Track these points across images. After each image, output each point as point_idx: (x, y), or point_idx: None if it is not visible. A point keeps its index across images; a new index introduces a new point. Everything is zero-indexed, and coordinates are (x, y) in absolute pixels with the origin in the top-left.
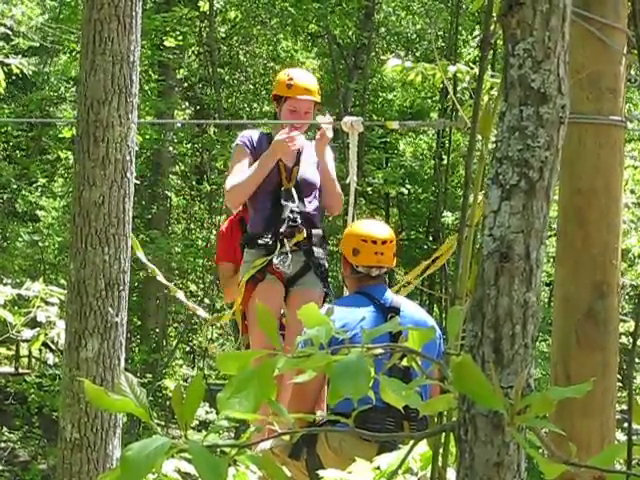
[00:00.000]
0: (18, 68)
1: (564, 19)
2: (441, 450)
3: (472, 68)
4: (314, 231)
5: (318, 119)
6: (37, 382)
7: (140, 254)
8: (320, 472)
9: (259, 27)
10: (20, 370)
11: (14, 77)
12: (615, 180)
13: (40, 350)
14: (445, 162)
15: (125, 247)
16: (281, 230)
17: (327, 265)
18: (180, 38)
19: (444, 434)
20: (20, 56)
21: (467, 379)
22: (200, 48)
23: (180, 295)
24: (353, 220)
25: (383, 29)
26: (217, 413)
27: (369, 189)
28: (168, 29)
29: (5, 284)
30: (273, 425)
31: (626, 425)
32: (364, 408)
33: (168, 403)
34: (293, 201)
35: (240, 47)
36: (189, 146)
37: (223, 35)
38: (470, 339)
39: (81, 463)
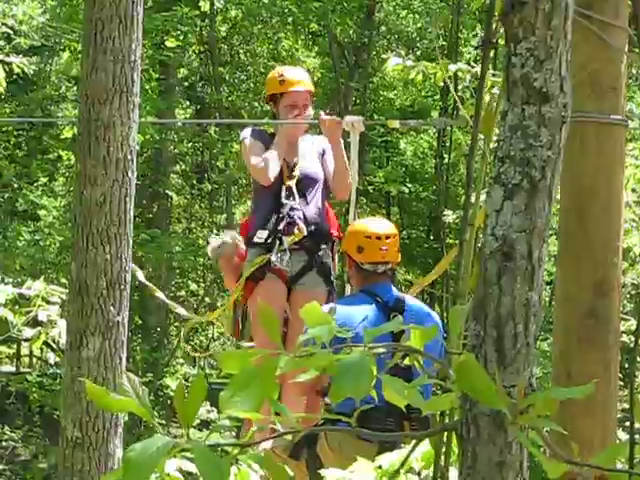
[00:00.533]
0: (19, 67)
1: (566, 18)
2: (443, 449)
3: (473, 67)
4: (316, 227)
5: (320, 114)
6: (38, 381)
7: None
8: (322, 471)
9: (260, 26)
10: (21, 369)
11: (15, 76)
12: (616, 179)
13: (41, 349)
14: (446, 161)
15: (126, 246)
16: (279, 228)
17: (332, 263)
18: (181, 37)
19: (446, 433)
20: (21, 55)
21: (469, 378)
22: (201, 47)
23: (160, 295)
24: (354, 219)
25: (384, 28)
26: (218, 412)
27: (370, 188)
28: (169, 28)
29: (6, 283)
30: (275, 425)
31: (628, 424)
32: (365, 408)
33: (169, 402)
34: (294, 199)
35: (241, 46)
36: (190, 145)
37: (224, 34)
38: (472, 338)
39: (82, 462)
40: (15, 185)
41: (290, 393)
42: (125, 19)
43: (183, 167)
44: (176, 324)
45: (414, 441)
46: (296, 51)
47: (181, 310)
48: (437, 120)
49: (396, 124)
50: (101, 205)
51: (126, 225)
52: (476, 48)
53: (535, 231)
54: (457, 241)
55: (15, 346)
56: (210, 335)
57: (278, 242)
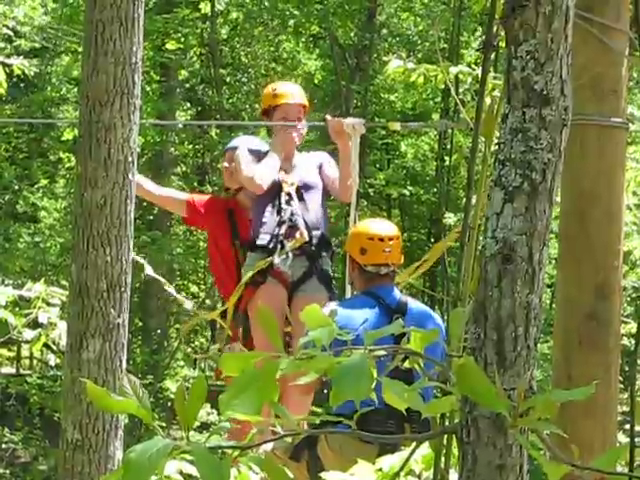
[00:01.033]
0: (20, 69)
1: (567, 21)
2: (443, 452)
3: (474, 70)
4: (316, 234)
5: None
6: (38, 383)
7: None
8: (323, 474)
9: (261, 28)
10: (21, 371)
11: (16, 78)
12: (617, 182)
13: (41, 351)
14: (447, 163)
15: (127, 248)
16: (281, 232)
17: (331, 269)
18: (182, 39)
19: (446, 436)
20: (22, 57)
21: (469, 381)
22: (202, 49)
23: (170, 289)
24: (355, 221)
25: (385, 30)
26: (218, 414)
27: (371, 190)
28: (170, 30)
29: (6, 285)
30: (275, 427)
31: (628, 426)
32: (365, 410)
33: (169, 404)
34: (294, 204)
35: (242, 48)
36: (191, 147)
37: (225, 36)
38: (472, 341)
39: (82, 464)
40: (16, 187)
41: (293, 394)
42: (126, 21)
43: (184, 169)
44: (176, 326)
45: (414, 443)
46: (297, 53)
47: (189, 304)
48: (438, 123)
49: (397, 127)
50: (102, 207)
51: (127, 227)
52: (477, 50)
53: (535, 234)
54: (458, 243)
55: (15, 348)
56: (210, 336)
57: (280, 246)
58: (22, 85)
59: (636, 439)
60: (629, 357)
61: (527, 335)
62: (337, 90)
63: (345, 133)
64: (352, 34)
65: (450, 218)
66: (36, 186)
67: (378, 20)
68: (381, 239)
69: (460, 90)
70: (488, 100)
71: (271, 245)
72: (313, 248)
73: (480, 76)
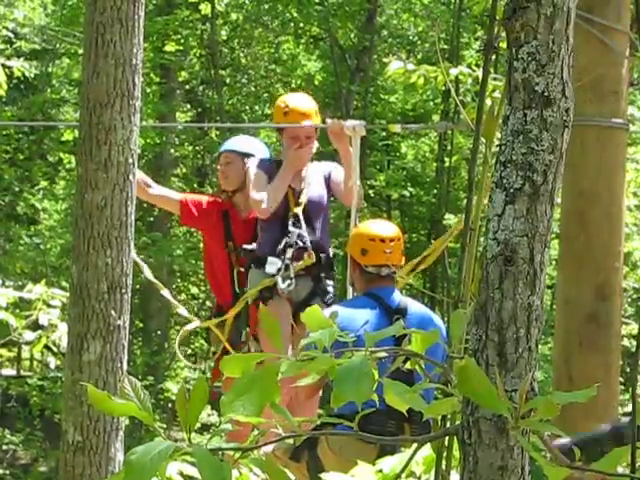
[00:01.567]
0: (20, 71)
1: (568, 22)
2: (444, 453)
3: (474, 71)
4: (323, 256)
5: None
6: (39, 385)
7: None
8: (323, 475)
9: (261, 30)
10: (22, 373)
11: (16, 80)
12: (617, 183)
13: (42, 353)
14: (447, 164)
15: (127, 250)
16: (288, 255)
17: (334, 292)
18: (182, 41)
19: (447, 437)
20: (22, 59)
21: (471, 382)
22: (202, 51)
23: (165, 293)
24: (356, 223)
25: (385, 32)
26: (219, 416)
27: (371, 192)
28: (170, 32)
29: (7, 287)
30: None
31: None
32: (367, 411)
33: (170, 405)
34: (300, 227)
35: (242, 49)
36: (191, 148)
37: (225, 38)
38: (474, 342)
39: (83, 466)
40: (16, 188)
41: (299, 397)
42: (126, 23)
43: (184, 170)
44: (177, 327)
45: (415, 445)
46: (297, 55)
47: (183, 311)
48: (438, 124)
49: (397, 129)
50: (102, 209)
51: (127, 229)
52: (478, 51)
53: (537, 235)
54: (458, 245)
55: (16, 350)
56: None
57: (284, 268)
58: (22, 87)
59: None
60: (629, 358)
61: (528, 337)
62: (337, 91)
63: (345, 137)
64: (352, 35)
65: (450, 219)
66: (36, 188)
67: (378, 21)
68: (382, 240)
69: (460, 91)
70: (488, 101)
71: (278, 266)
72: (318, 269)
73: (481, 77)
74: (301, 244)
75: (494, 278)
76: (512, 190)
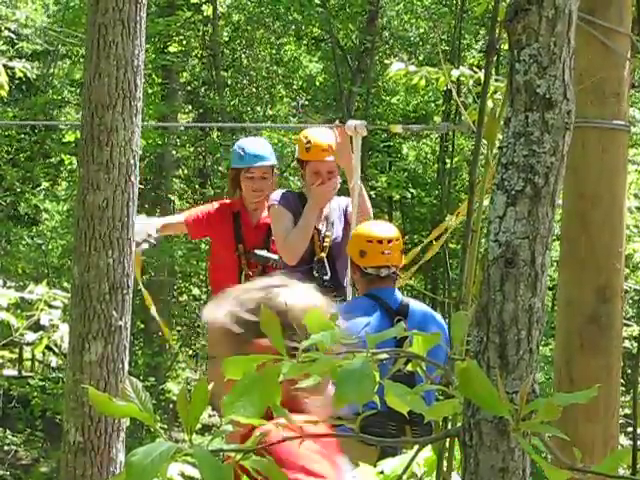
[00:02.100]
0: (22, 72)
1: (570, 24)
2: (446, 455)
3: (476, 72)
4: (339, 292)
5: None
6: (40, 385)
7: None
8: None
9: (262, 31)
10: (23, 373)
11: (18, 81)
12: (619, 184)
13: (43, 353)
14: (448, 166)
15: (129, 251)
16: None
17: None
18: (183, 42)
19: (449, 439)
20: (24, 60)
21: (472, 384)
22: (203, 52)
23: (152, 310)
24: (357, 224)
25: (386, 33)
26: (220, 416)
27: (372, 193)
28: (171, 33)
29: (8, 287)
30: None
31: (629, 429)
32: (368, 413)
33: (171, 406)
34: (326, 273)
35: (243, 51)
36: (192, 149)
37: (226, 39)
38: (475, 344)
39: (85, 467)
40: (18, 189)
41: None
42: (128, 24)
43: (185, 171)
44: (178, 329)
45: (417, 447)
46: (299, 56)
47: (166, 333)
48: (440, 125)
49: (399, 129)
50: (104, 210)
51: (129, 230)
52: (479, 52)
53: (538, 237)
54: (459, 246)
55: (17, 350)
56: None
57: None
58: (24, 87)
59: (639, 442)
60: (631, 360)
61: (530, 338)
62: (338, 93)
63: (348, 155)
64: (353, 37)
65: (451, 221)
66: (38, 188)
67: (379, 22)
68: (380, 241)
69: (461, 92)
70: (490, 103)
71: None
72: None
73: (482, 79)
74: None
75: (495, 280)
76: (513, 192)
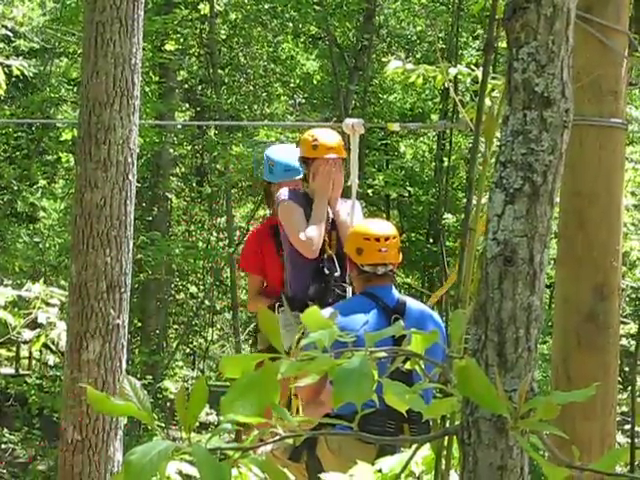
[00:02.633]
0: (19, 69)
1: (568, 23)
2: (444, 453)
3: (473, 70)
4: (349, 290)
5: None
6: (37, 383)
7: None
8: (322, 475)
9: (259, 29)
10: (20, 371)
11: (15, 78)
12: (616, 182)
13: (40, 351)
14: (446, 164)
15: (126, 249)
16: (329, 300)
17: None
18: (181, 40)
19: (447, 437)
20: (21, 57)
21: (471, 383)
22: (200, 50)
23: None
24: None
25: (384, 31)
26: (217, 415)
27: (370, 191)
28: (169, 31)
29: (5, 285)
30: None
31: (627, 427)
32: (366, 412)
33: (168, 404)
34: (336, 270)
35: (240, 49)
36: (189, 148)
37: (223, 37)
38: (474, 343)
39: (82, 465)
40: (15, 187)
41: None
42: (126, 22)
43: (182, 170)
44: (175, 327)
45: (415, 445)
46: (296, 54)
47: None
48: (437, 123)
49: (396, 127)
50: (101, 208)
51: (126, 228)
52: (477, 51)
53: (536, 236)
54: (457, 244)
55: (14, 348)
56: (210, 338)
57: None
58: (21, 85)
59: (636, 440)
60: (628, 358)
61: (528, 337)
62: (336, 91)
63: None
64: (351, 35)
65: (449, 219)
66: (35, 186)
67: (377, 20)
68: (377, 239)
69: (459, 91)
70: (487, 101)
71: None
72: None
73: (480, 77)
74: (340, 292)
75: (494, 278)
76: (512, 190)
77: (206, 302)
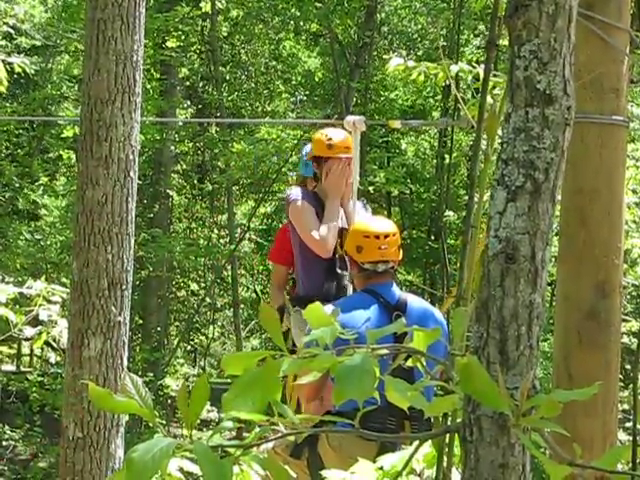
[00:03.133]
0: (20, 67)
1: (570, 20)
2: (446, 451)
3: (474, 67)
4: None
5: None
6: (39, 381)
7: None
8: (323, 472)
9: (261, 26)
10: (22, 368)
11: (16, 76)
12: (617, 180)
13: (42, 349)
14: (447, 161)
15: (128, 246)
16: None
17: None
18: (182, 37)
19: (449, 435)
20: (22, 55)
21: (473, 380)
22: (202, 47)
23: None
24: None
25: (385, 28)
26: (219, 412)
27: (371, 188)
28: (170, 28)
29: (7, 282)
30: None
31: (628, 424)
32: (368, 409)
33: (169, 401)
34: (347, 269)
35: (242, 46)
36: (191, 145)
37: (225, 34)
38: (475, 340)
39: (84, 462)
40: (16, 184)
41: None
42: (127, 19)
43: (184, 167)
44: (176, 324)
45: (416, 442)
46: (297, 51)
47: None
48: (439, 120)
49: (397, 124)
50: (103, 205)
51: (128, 225)
52: (478, 48)
53: (538, 233)
54: (458, 242)
55: (16, 346)
56: (210, 335)
57: None
58: (23, 83)
59: (638, 437)
60: (629, 355)
61: (530, 334)
62: (337, 88)
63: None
64: (352, 32)
65: (450, 216)
66: (36, 184)
67: (378, 18)
68: (377, 236)
69: (460, 88)
70: (489, 99)
71: None
72: None
73: (482, 75)
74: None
75: (495, 276)
76: (514, 188)
77: (207, 299)
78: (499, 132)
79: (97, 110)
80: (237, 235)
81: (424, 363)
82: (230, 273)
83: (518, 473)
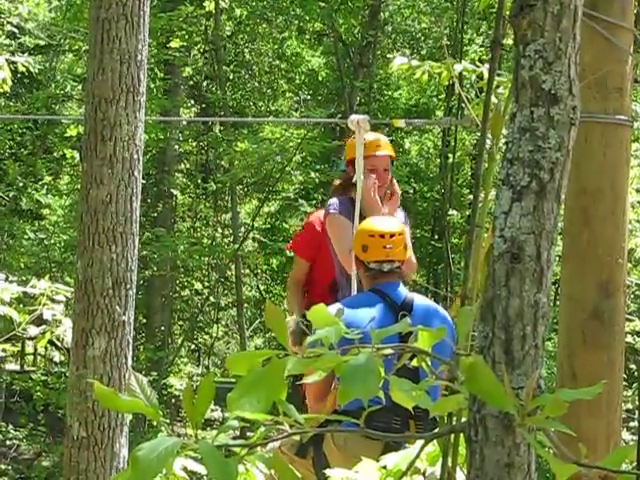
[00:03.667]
0: (24, 66)
1: (575, 20)
2: (451, 451)
3: (478, 67)
4: None
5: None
6: (42, 380)
7: None
8: (327, 471)
9: (264, 25)
10: (26, 367)
11: (20, 75)
12: (621, 179)
13: (46, 348)
14: (451, 160)
15: (132, 245)
16: None
17: None
18: (186, 37)
19: (454, 434)
20: (26, 54)
21: (478, 380)
22: (206, 46)
23: None
24: (360, 219)
25: (389, 27)
26: (222, 411)
27: None
28: (174, 28)
29: (11, 282)
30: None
31: (632, 424)
32: (373, 408)
33: (173, 400)
34: None
35: (246, 45)
36: (194, 144)
37: (229, 33)
38: (481, 340)
39: (88, 461)
40: (20, 184)
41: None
42: (132, 19)
43: (188, 166)
44: (180, 323)
45: (421, 442)
46: (301, 51)
47: None
48: (442, 119)
49: (401, 123)
50: (107, 204)
51: (132, 224)
52: (482, 47)
53: (543, 233)
54: (462, 241)
55: (19, 345)
56: (214, 334)
57: None
58: (26, 82)
59: None
60: (633, 355)
61: (535, 334)
62: (341, 87)
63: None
64: (356, 31)
65: (454, 215)
66: (40, 183)
67: (382, 17)
68: (382, 236)
69: (464, 87)
70: (494, 98)
71: None
72: None
73: (487, 74)
74: None
75: (501, 275)
76: (519, 187)
77: (211, 298)
78: (504, 131)
79: (101, 109)
80: (241, 234)
81: (429, 363)
82: (234, 272)
83: (523, 473)
